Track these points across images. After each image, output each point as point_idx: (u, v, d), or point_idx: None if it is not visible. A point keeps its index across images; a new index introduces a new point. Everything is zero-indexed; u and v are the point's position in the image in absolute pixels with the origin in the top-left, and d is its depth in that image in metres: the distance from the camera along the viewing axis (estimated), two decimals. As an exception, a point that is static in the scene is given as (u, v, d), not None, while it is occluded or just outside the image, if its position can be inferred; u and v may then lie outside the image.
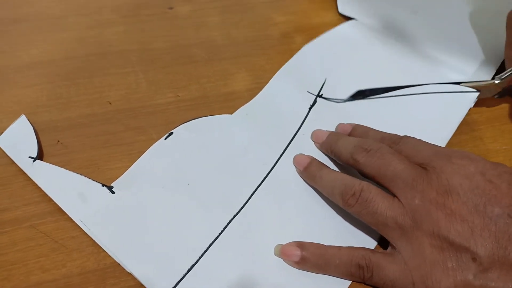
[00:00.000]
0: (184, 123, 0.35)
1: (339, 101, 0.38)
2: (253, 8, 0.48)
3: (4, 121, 0.35)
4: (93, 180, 0.31)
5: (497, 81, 0.37)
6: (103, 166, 0.33)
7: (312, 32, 0.44)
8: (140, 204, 0.30)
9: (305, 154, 0.33)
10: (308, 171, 0.32)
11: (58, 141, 0.34)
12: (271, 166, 0.33)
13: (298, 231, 0.30)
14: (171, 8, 0.47)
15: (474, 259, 0.24)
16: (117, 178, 0.31)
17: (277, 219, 0.30)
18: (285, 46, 0.43)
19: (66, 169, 0.31)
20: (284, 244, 0.29)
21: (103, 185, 0.31)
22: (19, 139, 0.33)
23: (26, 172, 0.31)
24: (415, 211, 0.26)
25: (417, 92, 0.39)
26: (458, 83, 0.39)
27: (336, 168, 0.33)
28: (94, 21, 0.45)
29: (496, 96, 0.38)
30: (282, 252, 0.28)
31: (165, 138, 0.34)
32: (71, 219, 0.29)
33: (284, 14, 0.48)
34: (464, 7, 0.42)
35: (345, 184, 0.29)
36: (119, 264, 0.28)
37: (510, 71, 0.36)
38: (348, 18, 0.47)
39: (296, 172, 0.33)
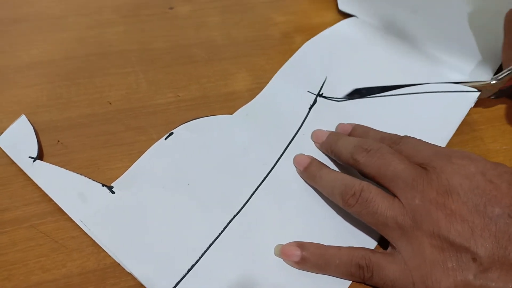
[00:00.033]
0: (184, 123, 0.35)
1: (339, 99, 0.38)
2: (253, 8, 0.48)
3: (4, 121, 0.35)
4: (93, 180, 0.31)
5: (493, 82, 0.37)
6: (103, 166, 0.33)
7: (312, 32, 0.44)
8: (140, 204, 0.30)
9: (305, 154, 0.33)
10: (308, 171, 0.32)
11: (58, 141, 0.34)
12: (271, 166, 0.33)
13: (298, 231, 0.30)
14: (171, 8, 0.47)
15: (474, 259, 0.24)
16: (117, 178, 0.31)
17: (277, 219, 0.30)
18: (285, 46, 0.43)
19: (66, 169, 0.31)
20: (284, 244, 0.29)
21: (103, 185, 0.31)
22: (19, 139, 0.33)
23: (26, 172, 0.31)
24: (415, 211, 0.26)
25: (418, 91, 0.39)
26: (455, 83, 0.39)
27: (336, 168, 0.33)
28: (94, 21, 0.45)
29: (492, 97, 0.38)
30: (282, 252, 0.28)
31: (165, 138, 0.34)
32: (71, 219, 0.29)
33: (284, 14, 0.47)
34: (464, 7, 0.42)
35: (345, 184, 0.29)
36: (119, 264, 0.28)
37: (506, 72, 0.36)
38: (348, 16, 0.47)
39: (296, 172, 0.33)
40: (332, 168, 0.33)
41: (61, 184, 0.31)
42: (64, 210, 0.29)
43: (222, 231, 0.29)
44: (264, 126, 0.36)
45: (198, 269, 0.28)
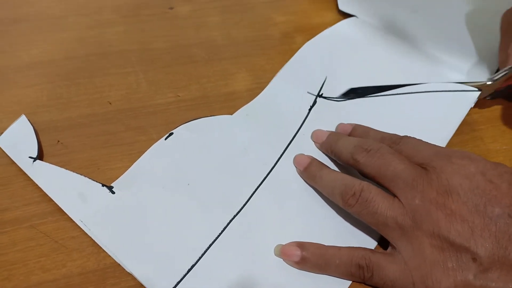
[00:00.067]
0: (185, 123, 0.35)
1: (339, 99, 0.38)
2: (253, 8, 0.48)
3: (4, 121, 0.35)
4: (93, 180, 0.31)
5: (489, 83, 0.37)
6: (103, 166, 0.33)
7: (312, 32, 0.44)
8: (140, 204, 0.30)
9: (305, 154, 0.33)
10: (308, 171, 0.32)
11: (58, 141, 0.34)
12: (271, 166, 0.33)
13: (298, 231, 0.30)
14: (171, 8, 0.47)
15: (474, 259, 0.24)
16: (117, 178, 0.31)
17: (277, 219, 0.30)
18: (285, 46, 0.43)
19: (66, 169, 0.31)
20: (284, 244, 0.29)
21: (103, 185, 0.31)
22: (19, 139, 0.33)
23: (26, 172, 0.31)
24: (415, 211, 0.26)
25: (418, 91, 0.39)
26: (454, 83, 0.39)
27: (336, 168, 0.33)
28: (94, 21, 0.45)
29: (488, 98, 0.38)
30: (282, 252, 0.28)
31: (165, 138, 0.34)
32: (71, 219, 0.29)
33: (284, 14, 0.47)
34: (464, 7, 0.42)
35: (345, 184, 0.29)
36: (119, 264, 0.28)
37: (502, 73, 0.36)
38: (348, 16, 0.47)
39: (296, 172, 0.33)
40: (332, 168, 0.33)
41: (61, 184, 0.31)
42: (64, 210, 0.29)
43: (222, 231, 0.29)
44: (264, 126, 0.36)
45: (198, 269, 0.28)
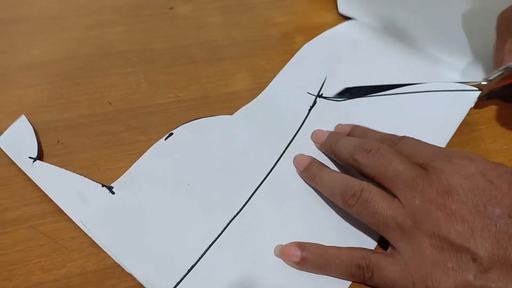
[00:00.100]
0: (185, 123, 0.35)
1: (339, 99, 0.38)
2: (254, 8, 0.48)
3: (5, 121, 0.35)
4: (93, 180, 0.31)
5: (484, 83, 0.37)
6: (103, 166, 0.33)
7: (312, 32, 0.44)
8: (140, 205, 0.30)
9: (305, 154, 0.33)
10: (308, 171, 0.32)
11: (58, 141, 0.34)
12: (271, 167, 0.33)
13: (298, 231, 0.30)
14: (171, 9, 0.47)
15: (474, 260, 0.24)
16: (117, 179, 0.31)
17: (277, 219, 0.30)
18: (285, 46, 0.43)
19: (66, 169, 0.31)
20: (284, 244, 0.29)
21: (103, 186, 0.31)
22: (19, 140, 0.33)
23: (26, 173, 0.31)
24: (415, 211, 0.26)
25: (418, 90, 0.39)
26: (452, 83, 0.39)
27: (336, 169, 0.33)
28: (95, 22, 0.45)
29: (483, 98, 0.38)
30: (282, 252, 0.28)
31: (165, 139, 0.34)
32: (71, 219, 0.29)
33: (284, 14, 0.47)
34: (464, 7, 0.42)
35: (345, 184, 0.29)
36: (119, 264, 0.28)
37: (497, 73, 0.36)
38: (348, 18, 0.47)
39: (296, 173, 0.33)
40: (332, 168, 0.33)
41: (61, 185, 0.31)
42: (64, 211, 0.29)
43: (222, 231, 0.29)
44: (264, 127, 0.36)
45: (198, 269, 0.28)
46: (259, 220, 0.30)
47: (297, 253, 0.28)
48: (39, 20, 0.44)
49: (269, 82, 0.39)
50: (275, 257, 0.29)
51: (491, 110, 0.39)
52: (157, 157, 0.33)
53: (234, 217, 0.30)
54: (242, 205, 0.31)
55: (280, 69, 0.40)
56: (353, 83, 0.39)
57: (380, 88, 0.39)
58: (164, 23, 0.45)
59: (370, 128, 0.34)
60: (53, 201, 0.30)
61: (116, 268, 0.28)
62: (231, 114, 0.36)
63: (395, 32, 0.45)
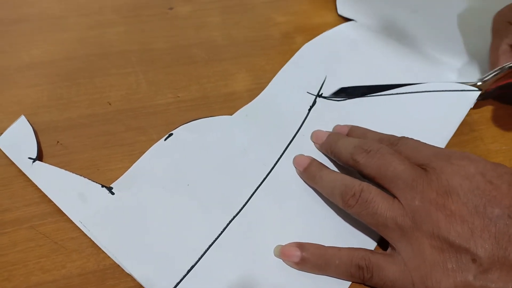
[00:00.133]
0: (184, 124, 0.35)
1: (339, 99, 0.38)
2: (254, 8, 0.48)
3: (5, 121, 0.35)
4: (93, 181, 0.31)
5: (478, 83, 0.37)
6: (103, 167, 0.33)
7: (312, 32, 0.44)
8: (140, 205, 0.30)
9: (305, 154, 0.33)
10: (308, 171, 0.32)
11: (58, 141, 0.34)
12: (271, 167, 0.33)
13: (298, 232, 0.30)
14: (171, 9, 0.47)
15: (474, 260, 0.24)
16: (117, 179, 0.31)
17: (277, 220, 0.30)
18: (285, 47, 0.43)
19: (66, 170, 0.31)
20: (284, 244, 0.29)
21: (102, 186, 0.31)
22: (19, 140, 0.33)
23: (26, 173, 0.31)
24: (415, 212, 0.26)
25: (418, 90, 0.39)
26: (450, 83, 0.39)
27: (335, 169, 0.33)
28: (95, 22, 0.45)
29: (478, 99, 0.38)
30: (282, 252, 0.28)
31: (165, 139, 0.34)
32: (71, 220, 0.29)
33: (284, 14, 0.47)
34: (462, 8, 0.42)
35: (345, 184, 0.29)
36: (118, 265, 0.28)
37: (492, 74, 0.36)
38: (348, 19, 0.47)
39: (296, 173, 0.33)
40: (331, 168, 0.33)
41: (60, 185, 0.31)
42: (64, 211, 0.29)
43: (222, 232, 0.29)
44: (264, 127, 0.36)
45: (198, 269, 0.28)
46: (259, 220, 0.30)
47: (297, 253, 0.28)
48: (39, 20, 0.44)
49: (269, 83, 0.39)
50: (275, 257, 0.29)
51: (491, 110, 0.39)
52: (157, 157, 0.33)
53: (234, 217, 0.30)
54: (242, 205, 0.31)
55: (280, 69, 0.40)
56: (353, 83, 0.39)
57: (376, 88, 0.39)
58: (164, 23, 0.45)
59: (368, 128, 0.34)
60: (53, 202, 0.30)
61: (116, 269, 0.28)
62: (231, 115, 0.36)
63: (394, 33, 0.45)
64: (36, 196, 0.31)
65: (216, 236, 0.29)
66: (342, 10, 0.47)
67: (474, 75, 0.41)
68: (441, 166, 0.27)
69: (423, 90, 0.39)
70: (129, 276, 0.27)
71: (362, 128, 0.34)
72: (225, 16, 0.47)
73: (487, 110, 0.39)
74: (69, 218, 0.29)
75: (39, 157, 0.32)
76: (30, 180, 0.31)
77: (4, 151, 0.33)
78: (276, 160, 0.33)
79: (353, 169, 0.30)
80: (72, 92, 0.38)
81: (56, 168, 0.31)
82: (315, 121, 0.36)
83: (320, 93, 0.38)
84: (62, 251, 0.28)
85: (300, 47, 0.42)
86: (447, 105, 0.38)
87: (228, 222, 0.30)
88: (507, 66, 0.35)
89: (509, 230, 0.24)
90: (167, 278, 0.27)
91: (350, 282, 0.28)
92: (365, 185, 0.28)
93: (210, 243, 0.29)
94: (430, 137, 0.31)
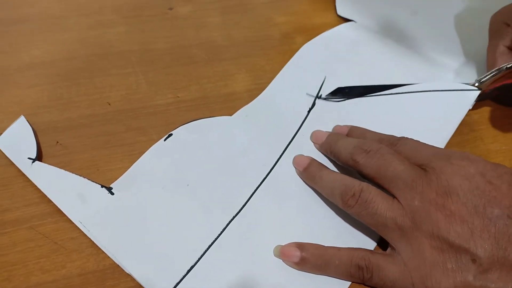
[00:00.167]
0: (184, 124, 0.35)
1: (338, 100, 0.38)
2: (254, 8, 0.48)
3: (5, 121, 0.35)
4: (93, 181, 0.31)
5: (476, 85, 0.37)
6: (103, 167, 0.33)
7: (312, 32, 0.44)
8: (139, 205, 0.30)
9: (305, 155, 0.33)
10: (308, 171, 0.32)
11: (58, 142, 0.34)
12: (271, 167, 0.33)
13: (297, 232, 0.30)
14: (171, 9, 0.47)
15: (473, 260, 0.24)
16: (117, 179, 0.31)
17: (277, 220, 0.30)
18: (285, 47, 0.43)
19: (66, 170, 0.31)
20: (283, 244, 0.29)
21: (102, 186, 0.31)
22: (19, 140, 0.33)
23: (25, 173, 0.31)
24: (415, 212, 0.26)
25: (418, 90, 0.39)
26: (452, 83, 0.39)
27: (335, 169, 0.33)
28: (95, 22, 0.45)
29: (476, 100, 0.38)
30: (282, 253, 0.28)
31: (165, 139, 0.34)
32: (71, 220, 0.29)
33: (284, 14, 0.47)
34: (461, 9, 0.42)
35: (345, 184, 0.29)
36: (118, 265, 0.28)
37: (489, 75, 0.37)
38: (347, 20, 0.47)
39: (296, 173, 0.33)
40: (331, 168, 0.33)
41: (60, 185, 0.31)
42: (63, 211, 0.29)
43: (222, 232, 0.29)
44: (264, 127, 0.36)
45: (197, 269, 0.28)
46: (259, 220, 0.30)
47: (297, 253, 0.28)
48: (39, 20, 0.44)
49: (269, 83, 0.39)
50: (275, 257, 0.29)
51: (491, 110, 0.39)
52: (157, 157, 0.33)
53: (234, 217, 0.30)
54: (241, 206, 0.31)
55: (280, 70, 0.40)
56: (352, 83, 0.39)
57: (374, 88, 0.39)
58: (164, 24, 0.45)
59: (368, 128, 0.34)
60: (53, 202, 0.30)
61: (116, 269, 0.28)
62: (231, 115, 0.36)
63: (393, 34, 0.45)
64: (35, 196, 0.31)
65: (216, 236, 0.29)
66: (342, 11, 0.47)
67: (472, 76, 0.41)
68: (440, 166, 0.27)
69: (422, 89, 0.39)
70: (129, 276, 0.27)
71: (362, 128, 0.34)
72: (225, 16, 0.47)
73: (487, 110, 0.39)
74: (68, 218, 0.29)
75: (39, 157, 0.32)
76: (29, 180, 0.31)
77: (4, 151, 0.33)
78: (276, 160, 0.33)
79: (353, 169, 0.30)
80: (72, 92, 0.38)
81: (56, 168, 0.31)
82: (314, 121, 0.36)
83: (319, 95, 0.38)
84: (62, 251, 0.28)
85: (300, 47, 0.42)
86: (446, 105, 0.38)
87: (228, 222, 0.30)
88: (504, 67, 0.36)
89: (509, 230, 0.24)
90: (167, 278, 0.27)
91: (350, 282, 0.28)
92: (365, 185, 0.28)
93: (210, 243, 0.29)
94: (430, 137, 0.31)
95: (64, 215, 0.29)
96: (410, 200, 0.26)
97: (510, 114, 0.39)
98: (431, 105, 0.38)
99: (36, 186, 0.31)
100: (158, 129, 0.35)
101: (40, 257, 0.28)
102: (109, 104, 0.37)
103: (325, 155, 0.34)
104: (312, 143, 0.35)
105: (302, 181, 0.32)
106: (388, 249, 0.28)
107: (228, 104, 0.38)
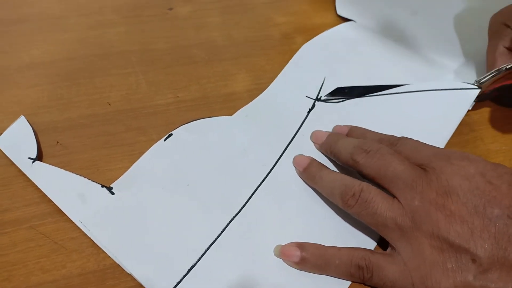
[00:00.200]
0: (184, 124, 0.35)
1: (338, 100, 0.38)
2: (254, 8, 0.48)
3: (5, 121, 0.35)
4: (93, 181, 0.31)
5: (475, 85, 0.38)
6: (103, 167, 0.33)
7: (312, 32, 0.44)
8: (139, 205, 0.30)
9: (305, 154, 0.33)
10: (308, 171, 0.32)
11: (58, 142, 0.34)
12: (271, 167, 0.33)
13: (298, 232, 0.30)
14: (171, 9, 0.47)
15: (473, 260, 0.24)
16: (117, 179, 0.31)
17: (277, 220, 0.30)
18: (285, 47, 0.44)
19: (66, 170, 0.31)
20: (283, 244, 0.29)
21: (102, 186, 0.31)
22: (19, 140, 0.33)
23: (26, 173, 0.31)
24: (415, 212, 0.26)
25: (418, 90, 0.39)
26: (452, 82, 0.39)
27: (335, 169, 0.33)
28: (95, 22, 0.45)
29: (475, 101, 0.38)
30: (282, 252, 0.28)
31: (165, 139, 0.34)
32: (71, 220, 0.29)
33: (284, 14, 0.48)
34: (461, 9, 0.42)
35: (345, 184, 0.29)
36: (119, 265, 0.28)
37: (488, 75, 0.37)
38: (347, 20, 0.47)
39: (296, 173, 0.33)
40: (331, 168, 0.33)
41: (60, 185, 0.31)
42: (64, 211, 0.29)
43: (222, 232, 0.29)
44: (264, 127, 0.36)
45: (198, 269, 0.28)
46: (259, 220, 0.30)
47: (297, 253, 0.28)
48: (39, 20, 0.44)
49: (269, 83, 0.39)
50: (275, 257, 0.29)
51: (491, 111, 0.39)
52: (157, 157, 0.33)
53: (234, 217, 0.30)
54: (241, 206, 0.31)
55: (280, 70, 0.41)
56: (352, 83, 0.39)
57: (373, 88, 0.39)
58: (164, 24, 0.45)
59: (368, 128, 0.34)
60: (53, 202, 0.30)
61: (116, 269, 0.28)
62: (231, 115, 0.36)
63: (393, 34, 0.45)
64: (36, 196, 0.31)
65: (216, 236, 0.29)
66: (342, 11, 0.47)
67: (472, 77, 0.41)
68: (440, 166, 0.27)
69: (422, 89, 0.39)
70: (129, 276, 0.27)
71: (362, 128, 0.34)
72: (225, 16, 0.47)
73: (487, 110, 0.39)
74: (69, 218, 0.29)
75: (39, 157, 0.32)
76: (30, 180, 0.31)
77: (4, 151, 0.33)
78: (276, 160, 0.33)
79: (353, 169, 0.30)
80: (72, 92, 0.38)
81: (56, 168, 0.31)
82: (314, 121, 0.36)
83: (319, 97, 0.38)
84: (62, 251, 0.28)
85: (300, 47, 0.42)
86: (446, 104, 0.38)
87: (228, 222, 0.30)
88: (504, 68, 0.36)
89: (509, 230, 0.24)
90: (167, 278, 0.27)
91: (350, 282, 0.28)
92: (365, 185, 0.28)
93: (210, 243, 0.29)
94: (429, 137, 0.31)
95: (65, 215, 0.29)
96: (410, 200, 0.26)
97: (510, 114, 0.39)
98: (431, 104, 0.38)
99: (36, 186, 0.31)
100: (158, 129, 0.35)
101: (40, 257, 0.28)
102: (109, 104, 0.37)
103: (325, 155, 0.34)
104: (312, 143, 0.35)
105: (302, 181, 0.32)
106: (388, 249, 0.28)
107: (228, 104, 0.38)
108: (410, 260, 0.26)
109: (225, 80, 0.40)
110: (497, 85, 0.37)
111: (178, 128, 0.35)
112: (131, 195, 0.31)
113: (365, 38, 0.45)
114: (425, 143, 0.30)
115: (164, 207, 0.30)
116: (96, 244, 0.29)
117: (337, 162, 0.33)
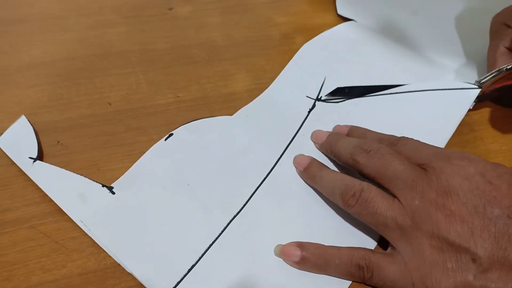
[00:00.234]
0: (185, 124, 0.35)
1: (338, 100, 0.38)
2: (254, 8, 0.48)
3: (5, 121, 0.35)
4: (93, 180, 0.31)
5: (476, 85, 0.37)
6: (103, 166, 0.33)
7: (312, 32, 0.44)
8: (140, 205, 0.30)
9: (305, 154, 0.33)
10: (308, 171, 0.32)
11: (58, 141, 0.34)
12: (271, 167, 0.33)
13: (298, 231, 0.30)
14: (171, 9, 0.47)
15: (474, 260, 0.24)
16: (118, 179, 0.32)
17: (277, 219, 0.30)
18: (285, 47, 0.44)
19: (66, 169, 0.31)
20: (284, 244, 0.29)
21: (103, 186, 0.31)
22: (19, 140, 0.33)
23: (26, 173, 0.31)
24: (415, 211, 0.26)
25: (418, 89, 0.39)
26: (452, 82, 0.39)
27: (335, 169, 0.33)
28: (95, 22, 0.45)
29: (475, 101, 0.38)
30: (282, 252, 0.28)
31: (165, 139, 0.34)
32: (71, 219, 0.29)
33: (284, 14, 0.48)
34: (462, 10, 0.42)
35: (345, 184, 0.29)
36: (119, 264, 0.28)
37: (489, 76, 0.37)
38: (347, 19, 0.47)
39: (296, 173, 0.33)
40: (331, 168, 0.33)
41: (61, 185, 0.31)
42: (64, 211, 0.29)
43: (222, 232, 0.29)
44: (264, 127, 0.36)
45: (198, 269, 0.28)
46: (259, 220, 0.30)
47: (297, 253, 0.28)
48: (39, 20, 0.44)
49: (269, 83, 0.39)
50: (275, 257, 0.29)
51: (491, 111, 0.39)
52: (157, 157, 0.33)
53: (234, 217, 0.30)
54: (242, 205, 0.31)
55: (280, 70, 0.41)
56: (352, 83, 0.39)
57: (373, 88, 0.39)
58: (164, 24, 0.45)
59: (368, 128, 0.34)
60: (53, 201, 0.30)
61: (117, 268, 0.28)
62: (231, 115, 0.36)
63: (393, 34, 0.45)
64: (36, 196, 0.31)
65: (216, 236, 0.29)
66: (342, 10, 0.47)
67: (472, 77, 0.41)
68: (440, 166, 0.27)
69: (422, 89, 0.39)
70: (129, 275, 0.27)
71: (362, 128, 0.34)
72: (225, 16, 0.47)
73: (487, 110, 0.39)
74: (69, 218, 0.29)
75: (40, 157, 0.32)
76: (30, 180, 0.31)
77: (5, 151, 0.33)
78: (276, 160, 0.33)
79: (353, 169, 0.30)
80: (72, 92, 0.38)
81: (57, 168, 0.31)
82: (315, 121, 0.36)
83: (319, 97, 0.38)
84: (63, 250, 0.28)
85: (300, 47, 0.42)
86: (446, 104, 0.38)
87: (228, 222, 0.30)
88: (504, 69, 0.36)
89: (509, 230, 0.24)
90: (168, 277, 0.27)
91: (350, 282, 0.28)
92: (365, 184, 0.28)
93: (210, 243, 0.29)
94: (430, 136, 0.32)
95: (65, 214, 0.29)
96: (410, 200, 0.26)
97: (510, 114, 0.39)
98: (431, 104, 0.38)
99: (36, 185, 0.31)
100: (158, 129, 0.35)
101: (40, 256, 0.28)
102: (109, 104, 0.37)
103: (326, 155, 0.34)
104: (313, 143, 0.35)
105: (302, 180, 0.32)
106: (389, 249, 0.28)
107: (228, 104, 0.38)
108: (410, 260, 0.26)
109: (225, 80, 0.40)
110: (497, 86, 0.37)
111: (178, 128, 0.35)
112: (131, 195, 0.31)
113: (365, 38, 0.45)
114: (425, 143, 0.30)
115: (164, 207, 0.30)
116: (96, 243, 0.29)
117: (337, 162, 0.33)
